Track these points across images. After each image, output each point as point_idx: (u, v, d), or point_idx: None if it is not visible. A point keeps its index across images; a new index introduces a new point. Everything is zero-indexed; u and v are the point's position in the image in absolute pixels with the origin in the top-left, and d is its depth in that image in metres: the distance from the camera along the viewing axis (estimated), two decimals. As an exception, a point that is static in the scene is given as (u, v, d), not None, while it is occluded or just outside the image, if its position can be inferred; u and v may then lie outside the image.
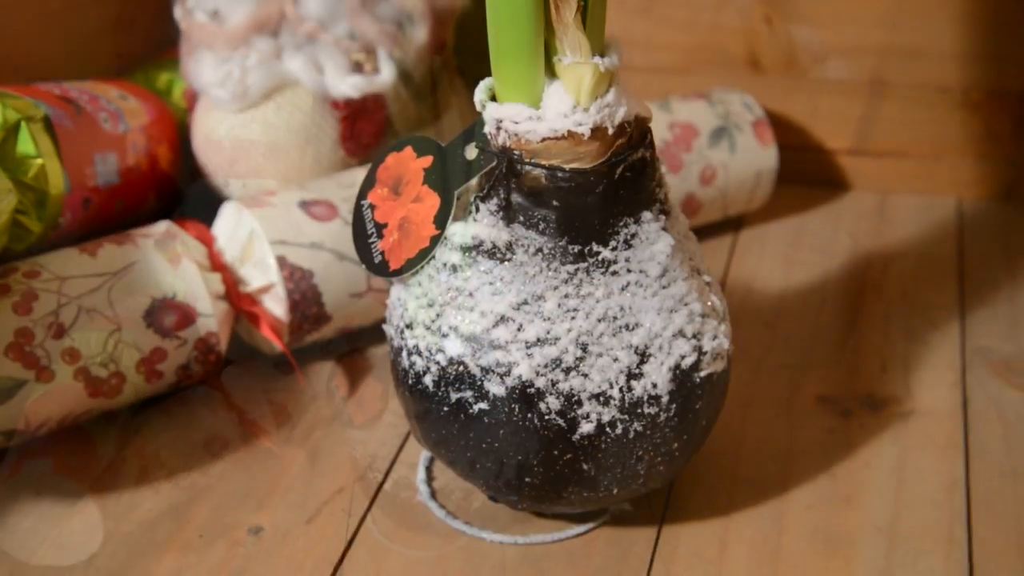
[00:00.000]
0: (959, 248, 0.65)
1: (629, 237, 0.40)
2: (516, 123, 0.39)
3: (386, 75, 0.59)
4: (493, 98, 0.41)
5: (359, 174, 0.57)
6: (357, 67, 0.59)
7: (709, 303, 0.42)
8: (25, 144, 0.49)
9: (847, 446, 0.50)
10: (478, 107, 0.41)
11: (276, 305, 0.53)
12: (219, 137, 0.59)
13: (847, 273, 0.64)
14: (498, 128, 0.40)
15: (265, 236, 0.53)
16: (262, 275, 0.53)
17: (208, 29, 0.59)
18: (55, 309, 0.48)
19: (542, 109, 0.39)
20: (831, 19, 0.68)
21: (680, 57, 0.71)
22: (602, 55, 0.39)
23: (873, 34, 0.67)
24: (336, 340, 0.57)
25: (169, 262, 0.50)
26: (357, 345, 0.57)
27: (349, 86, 0.58)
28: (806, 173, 0.72)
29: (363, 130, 0.60)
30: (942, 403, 0.53)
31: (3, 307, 0.47)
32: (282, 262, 0.53)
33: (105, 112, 0.55)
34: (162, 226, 0.52)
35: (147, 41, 0.71)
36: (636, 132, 0.40)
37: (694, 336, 0.41)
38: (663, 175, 0.42)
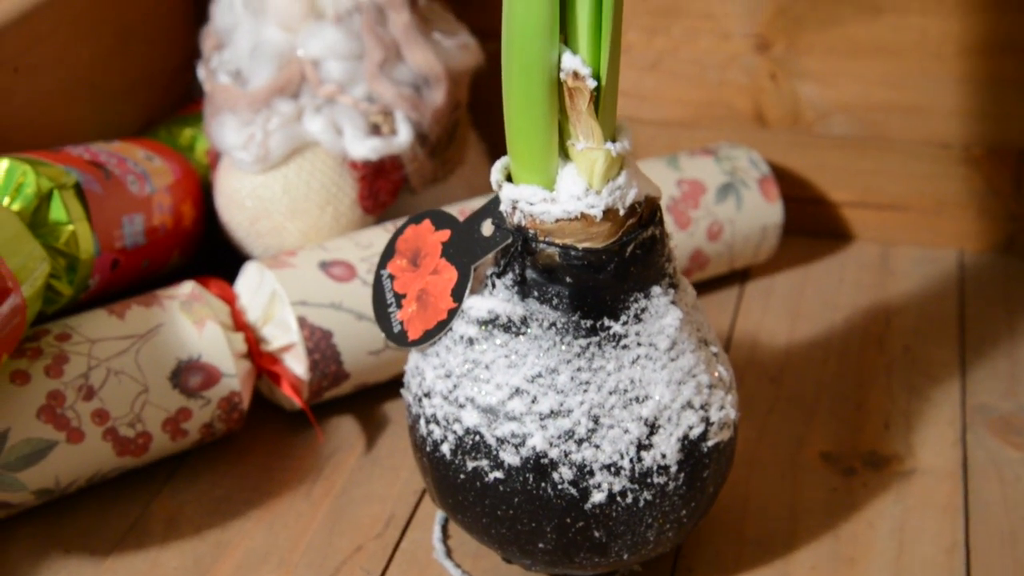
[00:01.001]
0: (960, 301, 0.67)
1: (639, 311, 0.42)
2: (531, 204, 0.41)
3: (403, 137, 0.61)
4: (509, 177, 0.43)
5: (376, 234, 0.59)
6: (375, 129, 0.61)
7: (716, 374, 0.44)
8: (58, 211, 0.51)
9: (850, 506, 0.52)
10: (494, 186, 0.42)
11: (296, 364, 0.55)
12: (241, 197, 0.60)
13: (850, 327, 0.65)
14: (514, 207, 0.42)
15: (287, 297, 0.54)
16: (283, 335, 0.55)
17: (231, 92, 0.61)
18: (85, 371, 0.50)
19: (556, 191, 0.41)
20: (834, 77, 0.69)
21: (688, 111, 0.73)
22: (614, 140, 0.41)
23: (875, 92, 0.69)
24: (354, 395, 0.59)
25: (194, 324, 0.52)
26: (375, 400, 0.59)
27: (368, 149, 0.60)
28: (811, 224, 0.74)
29: (381, 188, 0.62)
30: (943, 462, 0.54)
31: (36, 370, 0.49)
32: (303, 323, 0.54)
33: (132, 174, 0.57)
34: (187, 287, 0.54)
35: (170, 95, 0.73)
36: (646, 211, 0.42)
37: (702, 407, 0.43)
38: (672, 249, 0.44)
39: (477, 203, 0.62)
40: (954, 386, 0.60)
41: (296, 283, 0.55)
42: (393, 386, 0.59)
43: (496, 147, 0.66)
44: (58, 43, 0.62)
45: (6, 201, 0.50)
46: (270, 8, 0.61)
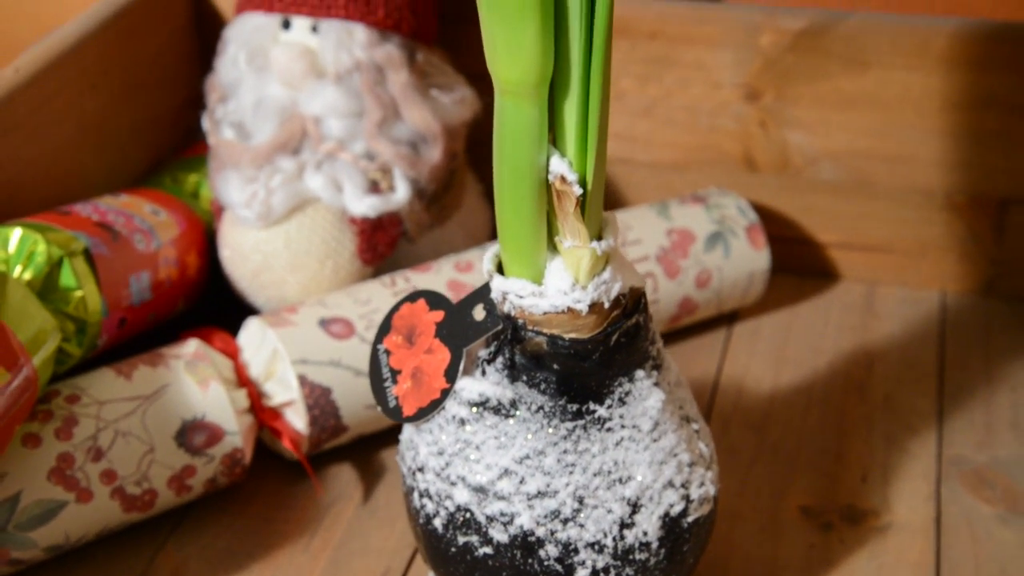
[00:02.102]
0: (941, 346, 0.69)
1: (623, 395, 0.44)
2: (520, 297, 0.43)
3: (401, 194, 0.62)
4: (500, 265, 0.45)
5: (374, 289, 0.61)
6: (374, 185, 0.63)
7: (697, 451, 0.46)
8: (67, 278, 0.53)
9: (827, 562, 0.54)
10: (486, 275, 0.45)
11: (297, 419, 0.57)
12: (244, 251, 0.62)
13: (833, 372, 0.67)
14: (504, 297, 0.44)
15: (287, 356, 0.57)
16: (284, 391, 0.57)
17: (234, 148, 0.63)
18: (94, 433, 0.52)
19: (544, 286, 0.43)
20: (822, 127, 0.71)
21: (680, 155, 0.75)
22: (600, 238, 0.43)
23: (862, 141, 0.71)
24: (353, 443, 0.61)
25: (199, 384, 0.54)
26: (372, 448, 0.61)
27: (366, 206, 0.62)
28: (798, 263, 0.76)
29: (379, 241, 0.64)
30: (917, 517, 0.57)
31: (47, 433, 0.51)
32: (303, 380, 0.56)
33: (139, 232, 0.59)
34: (191, 346, 0.56)
35: (176, 134, 0.75)
36: (630, 301, 0.44)
37: (682, 485, 0.45)
38: (655, 332, 0.46)
39: (474, 255, 0.64)
40: (931, 436, 0.62)
41: (297, 341, 0.57)
42: (390, 435, 0.61)
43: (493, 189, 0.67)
44: (67, 99, 0.64)
45: (18, 269, 0.52)
46: (273, 65, 0.63)
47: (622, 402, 0.44)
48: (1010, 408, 0.64)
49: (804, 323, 0.72)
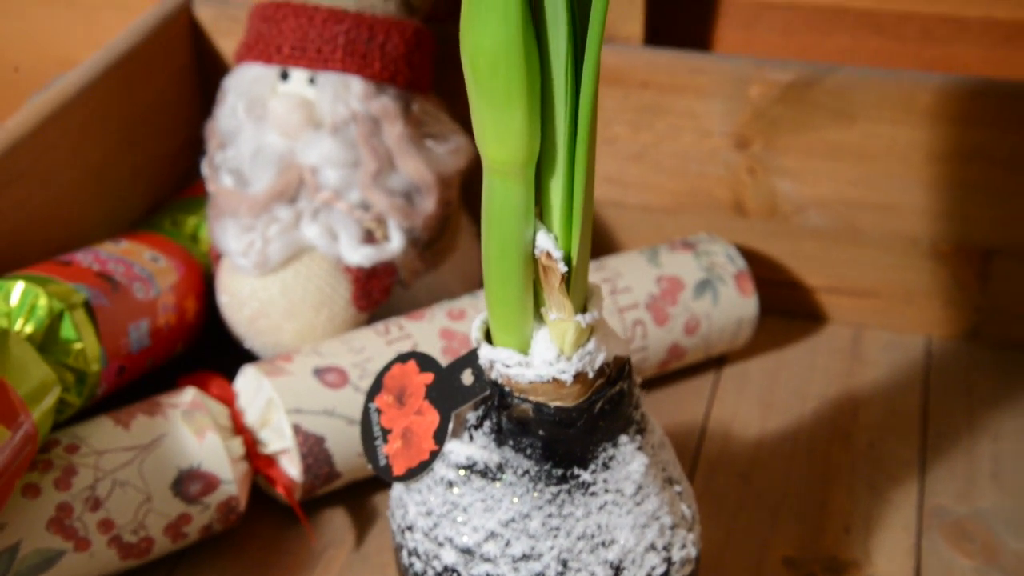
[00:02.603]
0: (925, 393, 0.70)
1: (607, 460, 0.46)
2: (507, 366, 0.44)
3: (395, 244, 0.64)
4: (487, 332, 0.46)
5: (367, 337, 0.62)
6: (369, 235, 0.64)
7: (679, 513, 0.47)
8: (68, 330, 0.55)
9: (806, 615, 0.56)
10: (473, 343, 0.46)
11: (291, 467, 0.58)
12: (241, 298, 0.64)
13: (818, 419, 0.69)
14: (491, 365, 0.45)
15: (282, 406, 0.58)
16: (279, 440, 0.58)
17: (232, 196, 0.64)
18: (92, 483, 0.53)
19: (530, 355, 0.44)
20: (810, 176, 0.73)
21: (670, 199, 0.76)
22: (585, 310, 0.44)
23: (849, 190, 0.72)
24: (346, 488, 0.62)
25: (195, 434, 0.56)
26: (364, 492, 0.62)
27: (361, 256, 0.63)
28: (786, 305, 0.77)
29: (374, 288, 0.65)
30: (897, 570, 0.58)
31: (46, 483, 0.53)
32: (297, 430, 0.58)
33: (138, 281, 0.60)
34: (188, 395, 0.57)
35: (175, 174, 0.76)
36: (614, 370, 0.45)
37: (664, 548, 0.46)
38: (639, 397, 0.47)
39: (466, 302, 0.65)
40: (913, 487, 0.63)
41: (291, 391, 0.58)
42: (382, 481, 0.63)
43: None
44: (68, 146, 0.65)
45: (20, 322, 0.54)
46: (271, 116, 0.64)
47: (606, 467, 0.45)
48: (991, 459, 0.65)
49: (791, 367, 0.73)
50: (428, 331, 0.63)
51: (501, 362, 0.44)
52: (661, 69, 0.72)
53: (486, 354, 0.45)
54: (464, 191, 0.72)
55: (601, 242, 0.78)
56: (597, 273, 0.68)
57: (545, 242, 0.42)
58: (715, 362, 0.73)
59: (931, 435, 0.67)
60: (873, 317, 0.76)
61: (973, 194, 0.71)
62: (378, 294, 0.65)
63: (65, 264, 0.58)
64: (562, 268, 0.42)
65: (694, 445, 0.67)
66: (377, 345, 0.61)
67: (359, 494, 0.62)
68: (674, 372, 0.72)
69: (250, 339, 0.65)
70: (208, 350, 0.69)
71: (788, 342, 0.75)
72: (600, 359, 0.44)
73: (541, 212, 0.43)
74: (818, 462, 0.65)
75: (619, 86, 0.73)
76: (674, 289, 0.69)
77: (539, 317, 0.45)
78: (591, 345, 0.44)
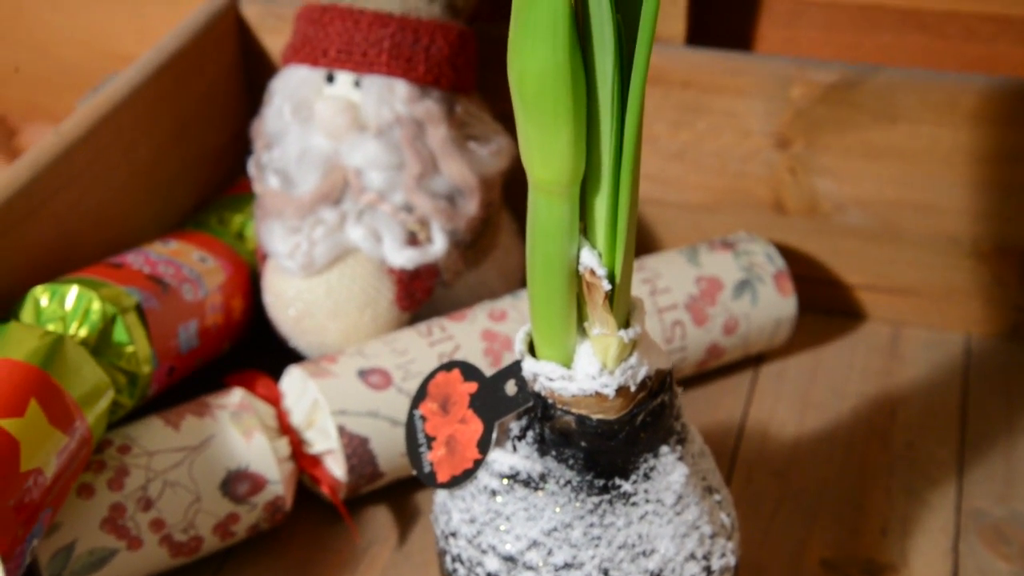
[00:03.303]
0: (963, 392, 0.71)
1: (648, 470, 0.46)
2: (550, 380, 0.45)
3: (438, 246, 0.65)
4: (531, 345, 0.47)
5: (411, 338, 0.63)
6: (412, 237, 0.65)
7: (719, 522, 0.48)
8: (120, 334, 0.56)
9: (843, 619, 0.56)
10: (517, 355, 0.47)
11: (336, 467, 0.60)
12: (287, 299, 0.65)
13: (857, 418, 0.69)
14: (534, 377, 0.46)
15: (327, 407, 0.59)
16: (324, 441, 0.60)
17: (279, 197, 0.65)
18: (144, 484, 0.55)
19: (573, 369, 0.45)
20: (850, 175, 0.73)
21: (710, 197, 0.76)
22: (627, 325, 0.45)
23: (889, 190, 0.73)
24: (389, 487, 0.63)
25: (243, 435, 0.57)
26: (408, 490, 0.64)
27: (405, 258, 0.64)
28: (825, 303, 0.77)
29: (417, 288, 0.66)
30: (934, 573, 0.59)
31: (100, 483, 0.54)
32: (342, 431, 0.59)
33: (188, 283, 0.62)
34: (236, 396, 0.59)
35: (223, 169, 0.77)
36: (656, 382, 0.46)
37: (704, 557, 0.47)
38: (680, 407, 0.48)
39: (507, 303, 0.66)
40: (951, 488, 0.64)
41: (336, 393, 0.60)
42: (425, 478, 0.64)
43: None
44: (121, 146, 0.66)
45: (74, 326, 0.55)
46: (317, 118, 0.65)
47: (647, 477, 0.46)
48: (1029, 462, 0.65)
49: (829, 365, 0.73)
50: (470, 332, 0.64)
51: (544, 375, 0.45)
52: (702, 69, 0.72)
53: (529, 367, 0.46)
54: (506, 188, 0.72)
55: (641, 239, 0.79)
56: (637, 274, 0.69)
57: (589, 259, 0.43)
58: (753, 360, 0.74)
59: (969, 436, 0.67)
60: (912, 315, 0.76)
61: (1015, 195, 0.70)
62: (421, 294, 0.66)
63: (116, 267, 0.60)
64: (606, 286, 0.43)
65: (732, 444, 0.67)
66: (420, 347, 0.62)
67: (402, 492, 0.64)
68: (712, 370, 0.72)
69: (295, 338, 0.66)
70: (255, 347, 0.71)
71: (827, 339, 0.76)
72: (642, 373, 0.45)
73: (585, 228, 0.44)
74: (855, 462, 0.66)
75: (660, 85, 0.73)
76: (713, 289, 0.69)
77: (582, 331, 0.45)
78: (633, 359, 0.45)
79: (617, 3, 0.40)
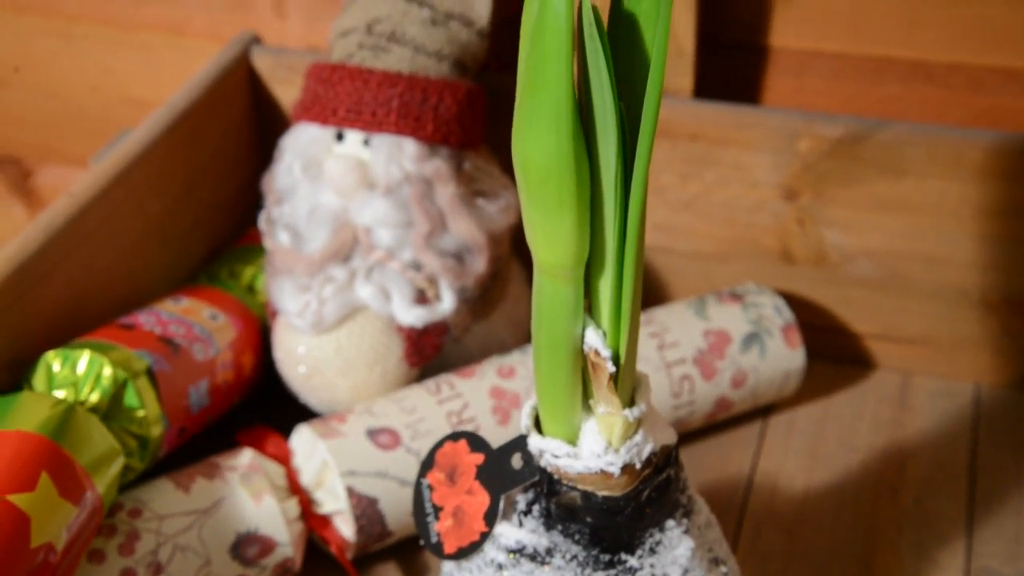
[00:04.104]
0: (973, 445, 0.71)
1: (654, 545, 0.47)
2: (556, 457, 0.45)
3: (447, 304, 0.65)
4: (537, 419, 0.47)
5: (419, 396, 0.63)
6: (421, 295, 0.65)
7: (724, 595, 0.48)
8: (131, 398, 0.56)
9: None
10: (523, 429, 0.47)
11: (345, 527, 0.60)
12: (297, 356, 0.65)
13: (865, 472, 0.69)
14: (540, 453, 0.46)
15: (337, 468, 0.59)
16: (333, 501, 0.60)
17: (289, 255, 0.66)
18: (154, 548, 0.55)
19: (579, 447, 0.45)
20: (858, 227, 0.73)
21: (718, 246, 0.77)
22: (632, 403, 0.45)
23: (897, 242, 0.73)
24: (397, 543, 0.64)
25: (253, 498, 0.57)
26: (416, 547, 0.64)
27: (414, 317, 0.64)
28: (834, 351, 0.77)
29: (426, 344, 0.66)
30: (941, 635, 0.59)
31: (110, 548, 0.55)
32: (351, 492, 0.59)
33: (198, 342, 0.62)
34: (246, 457, 0.59)
35: (233, 221, 0.78)
36: (661, 458, 0.46)
37: (709, 630, 0.47)
38: (686, 479, 0.48)
39: (516, 359, 0.66)
40: (959, 546, 0.64)
41: (345, 453, 0.60)
42: (433, 535, 0.64)
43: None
44: (133, 204, 0.67)
45: (86, 391, 0.56)
46: (326, 176, 0.66)
47: (653, 552, 0.46)
48: (1038, 519, 0.65)
49: (839, 416, 0.73)
50: (478, 389, 0.64)
51: (550, 452, 0.46)
52: (710, 122, 0.73)
53: (535, 443, 0.46)
54: (515, 236, 0.73)
55: (650, 287, 0.79)
56: (645, 327, 0.69)
57: (594, 340, 0.43)
58: (762, 411, 0.74)
59: (979, 491, 0.67)
60: (922, 364, 0.76)
61: (1023, 249, 0.71)
62: (430, 350, 0.67)
63: (128, 328, 0.60)
64: (610, 368, 0.43)
65: (740, 499, 0.68)
66: (428, 405, 0.63)
67: (411, 549, 0.64)
68: (721, 422, 0.73)
69: (305, 395, 0.67)
70: (266, 399, 0.71)
71: (836, 388, 0.76)
72: (647, 450, 0.45)
73: (590, 306, 0.44)
74: (864, 519, 0.66)
75: (668, 137, 0.74)
76: (721, 343, 0.69)
77: (588, 408, 0.46)
78: (638, 437, 0.45)
79: (620, 91, 0.40)
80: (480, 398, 0.63)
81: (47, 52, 0.92)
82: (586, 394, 0.46)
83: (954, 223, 0.71)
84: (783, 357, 0.71)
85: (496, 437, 0.63)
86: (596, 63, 0.39)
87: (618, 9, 0.40)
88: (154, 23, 0.88)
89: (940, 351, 0.75)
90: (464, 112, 0.67)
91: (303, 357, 0.65)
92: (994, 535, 0.64)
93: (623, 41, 0.41)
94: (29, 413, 0.51)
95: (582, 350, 0.44)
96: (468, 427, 0.62)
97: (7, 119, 0.96)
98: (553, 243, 0.41)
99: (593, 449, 0.45)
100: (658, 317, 0.70)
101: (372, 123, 0.65)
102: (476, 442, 0.50)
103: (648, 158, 0.40)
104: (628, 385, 0.45)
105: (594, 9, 0.38)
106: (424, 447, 0.61)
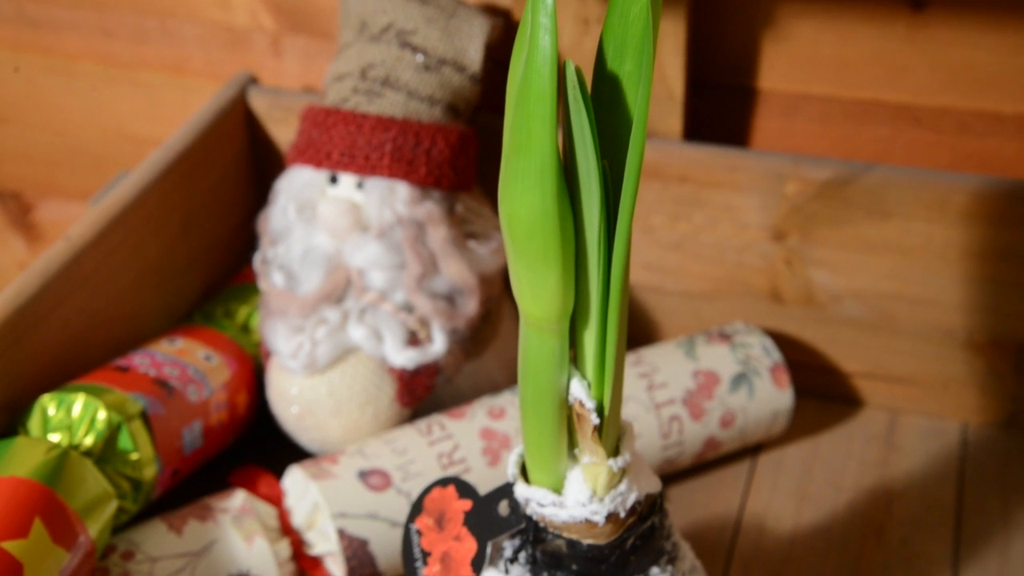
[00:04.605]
0: (959, 484, 0.71)
1: (638, 592, 0.47)
2: (542, 505, 0.46)
3: (438, 346, 0.66)
4: (524, 467, 0.48)
5: (410, 437, 0.64)
6: (412, 336, 0.66)
7: (707, 640, 0.49)
8: (125, 442, 0.57)
9: None
10: (509, 478, 0.48)
11: (336, 568, 0.61)
12: (290, 397, 0.66)
13: (852, 512, 0.70)
14: (526, 501, 0.47)
15: (328, 510, 0.60)
16: (324, 543, 0.61)
17: (283, 296, 0.67)
18: (147, 590, 0.56)
19: (564, 496, 0.46)
20: (846, 268, 0.74)
21: (708, 285, 0.78)
22: (617, 453, 0.46)
23: (884, 283, 0.74)
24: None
25: (244, 540, 0.58)
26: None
27: (405, 359, 0.65)
28: (822, 388, 0.78)
29: (418, 385, 0.67)
30: (925, 678, 0.59)
31: (104, 591, 0.55)
32: (342, 534, 0.60)
33: (192, 384, 0.63)
34: (238, 499, 0.60)
35: (228, 260, 0.79)
36: (646, 506, 0.47)
37: (691, 678, 0.48)
38: (671, 526, 0.49)
39: (506, 399, 0.67)
40: (945, 587, 0.64)
41: (337, 495, 0.61)
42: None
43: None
44: (130, 247, 0.68)
45: (80, 434, 0.56)
46: (320, 219, 0.67)
47: (637, 599, 0.47)
48: None
49: (826, 455, 0.74)
50: (469, 430, 0.65)
51: (536, 501, 0.46)
52: (699, 165, 0.74)
53: (521, 491, 0.47)
54: (506, 278, 0.73)
55: (641, 325, 0.80)
56: (634, 368, 0.70)
57: (579, 391, 0.44)
58: (751, 449, 0.75)
59: (965, 531, 0.68)
60: (909, 403, 0.77)
61: (1008, 290, 0.71)
62: (421, 391, 0.68)
63: (123, 371, 0.61)
64: (594, 420, 0.44)
65: (728, 540, 0.68)
66: (419, 446, 0.63)
67: (402, 588, 0.65)
68: (710, 462, 0.73)
69: (298, 435, 0.67)
70: (259, 436, 0.72)
71: (824, 426, 0.76)
72: (632, 499, 0.46)
73: (575, 357, 0.45)
74: (851, 560, 0.66)
75: (658, 179, 0.75)
76: (710, 383, 0.70)
77: (573, 456, 0.46)
78: (623, 487, 0.46)
79: (604, 148, 0.41)
80: (471, 439, 0.64)
81: (49, 89, 0.93)
82: (572, 443, 0.46)
83: (940, 265, 0.72)
84: (771, 397, 0.72)
85: (486, 478, 0.63)
86: (580, 124, 0.40)
87: (602, 70, 0.41)
88: (154, 62, 0.89)
89: (928, 390, 0.76)
90: (456, 156, 0.68)
91: (296, 398, 0.66)
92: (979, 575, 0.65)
93: (607, 100, 0.42)
94: (23, 458, 0.52)
95: (567, 400, 0.45)
96: (458, 468, 0.63)
97: (9, 154, 0.98)
98: (539, 297, 0.42)
99: (578, 498, 0.46)
100: (648, 357, 0.71)
101: (366, 167, 0.66)
102: (464, 488, 0.51)
103: (631, 215, 0.41)
104: (613, 435, 0.45)
105: (578, 71, 0.39)
106: (415, 488, 0.62)
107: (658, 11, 0.40)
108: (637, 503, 0.47)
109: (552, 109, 0.39)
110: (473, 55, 0.68)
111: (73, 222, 0.98)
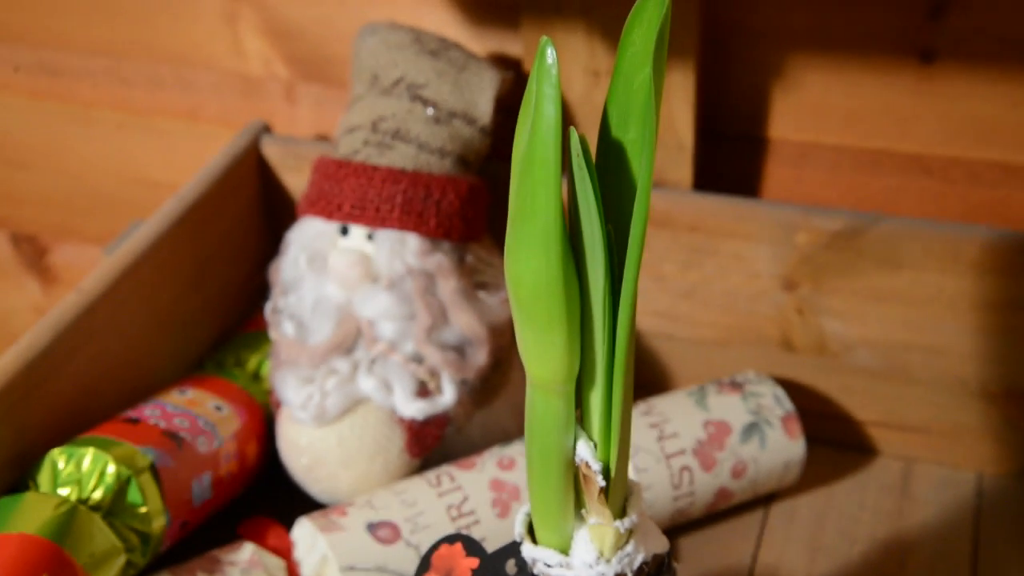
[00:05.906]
0: (975, 537, 0.71)
1: (645, 652, 0.47)
2: (548, 566, 0.46)
3: (448, 397, 0.66)
4: (531, 526, 0.48)
5: (420, 488, 0.64)
6: (422, 387, 0.66)
7: None
8: (134, 495, 0.57)
9: None
10: (516, 537, 0.48)
11: (344, 621, 0.61)
12: (299, 448, 0.66)
13: (866, 564, 0.69)
14: (533, 561, 0.47)
15: (336, 563, 0.60)
16: (333, 596, 0.61)
17: (293, 347, 0.67)
18: (156, 645, 0.56)
19: (571, 556, 0.46)
20: (857, 317, 0.74)
21: (719, 333, 0.77)
22: (624, 514, 0.46)
23: (897, 333, 0.73)
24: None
25: (253, 594, 0.58)
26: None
27: (415, 409, 0.65)
28: (836, 437, 0.78)
29: (427, 435, 0.67)
30: None
31: (112, 645, 0.55)
32: (351, 587, 0.60)
33: (203, 435, 0.63)
34: (247, 552, 0.60)
35: (240, 306, 0.79)
36: (653, 566, 0.47)
37: None
38: (678, 583, 0.49)
39: (516, 450, 0.67)
40: (959, 643, 0.64)
41: (345, 548, 0.61)
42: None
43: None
44: (142, 297, 0.68)
45: (90, 487, 0.57)
46: (331, 270, 0.67)
47: (644, 659, 0.47)
48: (1038, 616, 0.65)
49: (840, 505, 0.74)
50: (478, 482, 0.65)
51: (543, 561, 0.46)
52: (709, 214, 0.74)
53: (528, 552, 0.47)
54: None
55: (651, 373, 0.80)
56: (645, 417, 0.70)
57: (585, 452, 0.44)
58: (764, 498, 0.74)
59: (978, 586, 0.67)
60: (924, 452, 0.77)
61: (1021, 342, 0.71)
62: (431, 441, 0.68)
63: (133, 423, 0.61)
64: (601, 482, 0.44)
65: (740, 592, 0.68)
66: (429, 498, 0.63)
67: (411, 641, 0.64)
68: (722, 512, 0.73)
69: (308, 486, 0.67)
70: (270, 485, 0.72)
71: (837, 476, 0.76)
72: (639, 560, 0.46)
73: (582, 417, 0.45)
74: (864, 614, 0.66)
75: (668, 228, 0.75)
76: (721, 434, 0.70)
77: (580, 517, 0.46)
78: (630, 547, 0.46)
79: (608, 213, 0.42)
80: (480, 491, 0.64)
81: (65, 135, 0.94)
82: (579, 503, 0.46)
83: (951, 316, 0.72)
84: (783, 448, 0.71)
85: (495, 531, 0.63)
86: (584, 191, 0.40)
87: (607, 136, 0.42)
88: (168, 109, 0.90)
89: (942, 439, 0.76)
90: (466, 207, 0.68)
91: (306, 449, 0.66)
92: (993, 631, 0.64)
93: (612, 166, 0.42)
94: (32, 515, 0.52)
95: (574, 461, 0.45)
96: (467, 520, 0.63)
97: (25, 198, 0.99)
98: (544, 360, 0.42)
99: (585, 559, 0.45)
100: (658, 407, 0.71)
101: (376, 219, 0.66)
102: (472, 546, 0.50)
103: (635, 280, 0.41)
104: (619, 496, 0.45)
105: (582, 139, 0.40)
106: (424, 541, 0.62)
107: (661, 78, 0.40)
108: (644, 563, 0.46)
109: (556, 177, 0.39)
110: (483, 108, 0.69)
111: (88, 266, 0.99)
